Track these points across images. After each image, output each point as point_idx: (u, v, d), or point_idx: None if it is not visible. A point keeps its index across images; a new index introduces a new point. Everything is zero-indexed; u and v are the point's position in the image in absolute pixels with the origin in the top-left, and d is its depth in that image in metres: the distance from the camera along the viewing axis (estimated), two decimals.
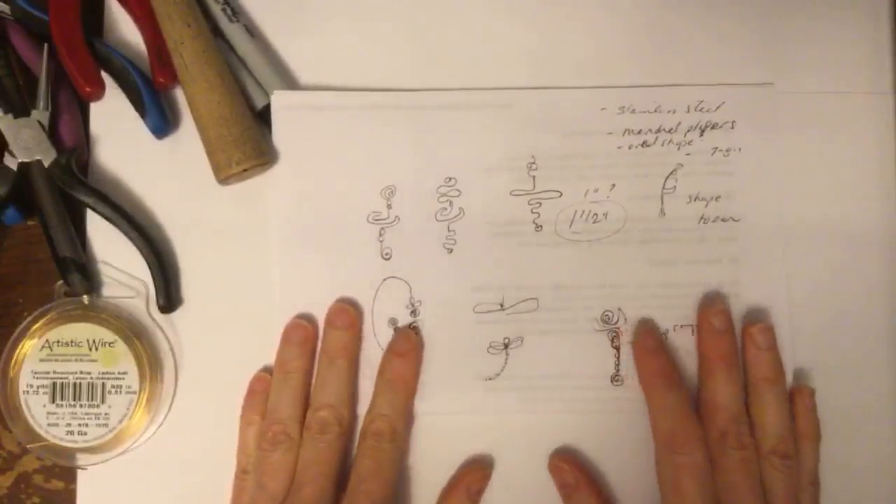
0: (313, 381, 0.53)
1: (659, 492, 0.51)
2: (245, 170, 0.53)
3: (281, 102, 0.55)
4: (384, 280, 0.55)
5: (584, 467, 0.54)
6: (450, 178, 0.56)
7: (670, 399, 0.52)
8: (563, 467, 0.53)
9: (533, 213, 0.55)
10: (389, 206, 0.55)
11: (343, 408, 0.52)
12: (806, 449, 0.52)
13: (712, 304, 0.54)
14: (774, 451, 0.51)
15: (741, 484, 0.50)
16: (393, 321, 0.55)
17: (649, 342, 0.54)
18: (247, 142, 0.53)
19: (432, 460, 0.54)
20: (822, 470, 0.53)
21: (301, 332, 0.54)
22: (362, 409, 0.54)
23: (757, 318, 0.55)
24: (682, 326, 0.55)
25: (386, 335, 0.55)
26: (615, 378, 0.54)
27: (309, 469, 0.51)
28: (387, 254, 0.55)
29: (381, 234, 0.55)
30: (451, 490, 0.53)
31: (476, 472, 0.54)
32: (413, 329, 0.54)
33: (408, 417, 0.53)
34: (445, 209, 0.56)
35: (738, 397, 0.51)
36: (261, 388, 0.54)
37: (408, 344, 0.54)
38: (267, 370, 0.54)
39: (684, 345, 0.55)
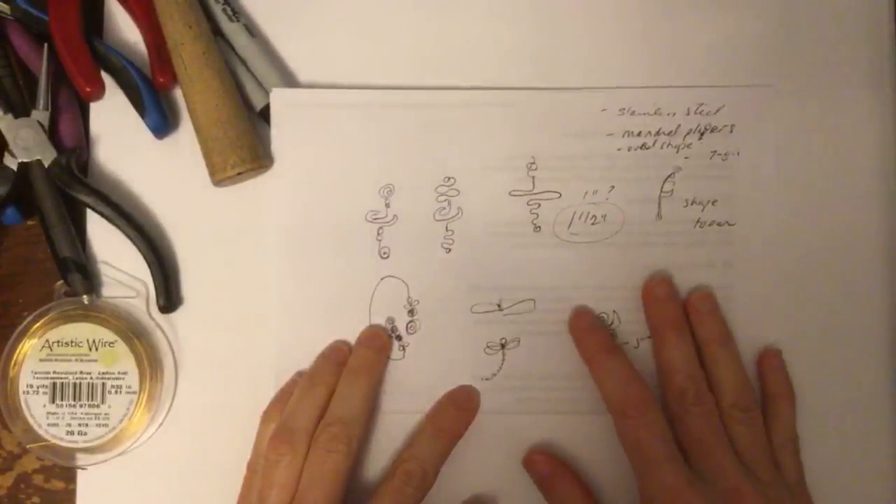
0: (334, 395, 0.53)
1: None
2: (240, 173, 0.53)
3: (280, 100, 0.56)
4: (381, 279, 0.55)
5: (559, 459, 0.54)
6: (449, 178, 0.56)
7: (613, 365, 0.52)
8: (539, 459, 0.54)
9: (532, 213, 0.56)
10: (388, 205, 0.56)
11: (356, 426, 0.51)
12: (780, 406, 0.53)
13: (654, 276, 0.55)
14: (734, 406, 0.51)
15: (707, 437, 0.50)
16: (390, 320, 0.55)
17: (585, 321, 0.54)
18: (243, 145, 0.53)
19: None
20: (818, 470, 0.53)
21: (339, 354, 0.54)
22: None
23: (702, 288, 0.55)
24: None
25: None
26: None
27: (313, 487, 0.50)
28: (384, 253, 0.55)
29: (378, 233, 0.55)
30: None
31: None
32: (471, 388, 0.55)
33: (440, 466, 0.53)
34: (444, 208, 0.56)
35: (691, 357, 0.52)
36: (291, 391, 0.53)
37: (469, 401, 0.54)
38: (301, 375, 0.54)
39: None
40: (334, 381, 0.53)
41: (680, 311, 0.54)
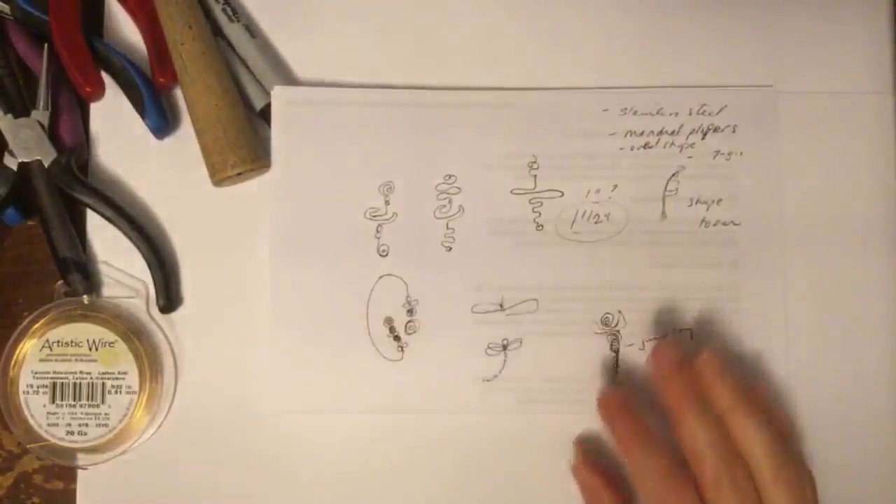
0: None
1: None
2: (240, 173, 0.53)
3: (281, 98, 0.55)
4: (380, 277, 0.55)
5: (606, 471, 0.52)
6: (449, 176, 0.55)
7: (651, 461, 0.49)
8: (586, 473, 0.52)
9: (534, 212, 0.55)
10: (387, 203, 0.55)
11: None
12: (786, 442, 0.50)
13: (658, 347, 0.52)
14: (776, 475, 0.47)
15: None
16: (389, 320, 0.55)
17: (616, 399, 0.52)
18: (243, 145, 0.53)
19: (428, 461, 0.54)
20: (821, 471, 0.52)
21: None
22: None
23: (708, 343, 0.54)
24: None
25: (381, 334, 0.54)
26: (614, 381, 0.54)
27: None
28: (384, 250, 0.55)
29: (378, 231, 0.55)
30: None
31: None
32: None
33: None
34: (444, 206, 0.55)
35: (714, 436, 0.48)
36: None
37: None
38: None
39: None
40: None
41: (690, 382, 0.50)
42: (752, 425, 0.48)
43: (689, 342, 0.54)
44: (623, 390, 0.53)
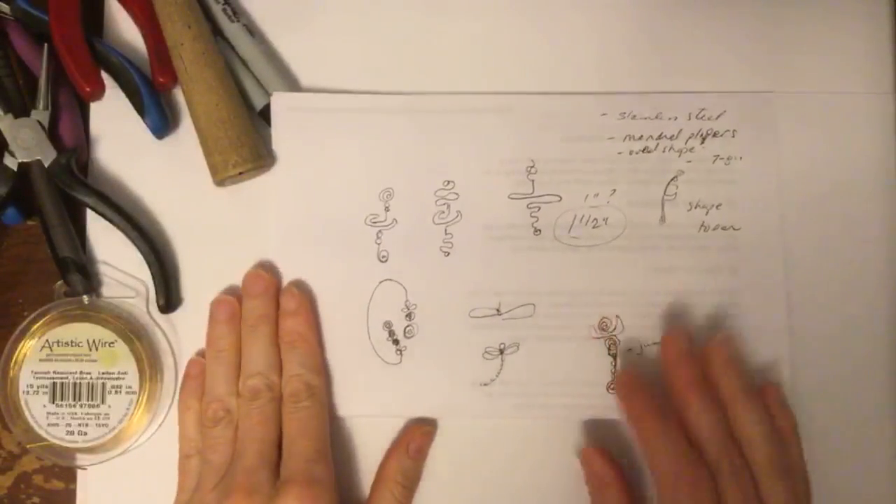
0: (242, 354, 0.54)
1: None
2: (241, 172, 0.53)
3: (280, 104, 0.55)
4: (380, 283, 0.55)
5: (616, 462, 0.53)
6: (448, 181, 0.55)
7: (666, 440, 0.50)
8: (596, 460, 0.53)
9: (532, 217, 0.55)
10: (387, 209, 0.55)
11: (272, 372, 0.52)
12: (788, 440, 0.51)
13: (669, 333, 0.53)
14: (771, 466, 0.49)
15: None
16: (388, 324, 0.55)
17: (633, 378, 0.53)
18: (244, 145, 0.53)
19: (426, 464, 0.54)
20: (821, 473, 0.52)
21: (226, 307, 0.54)
22: None
23: (721, 331, 0.54)
24: None
25: (381, 338, 0.55)
26: (611, 386, 0.54)
27: (247, 437, 0.51)
28: (383, 256, 0.55)
29: (377, 237, 0.55)
30: (392, 449, 0.54)
31: (416, 430, 0.54)
32: (295, 285, 0.55)
33: (320, 371, 0.53)
34: (443, 212, 0.55)
35: (718, 422, 0.50)
36: (195, 372, 0.54)
37: (295, 301, 0.54)
38: (201, 353, 0.55)
39: None
40: (235, 338, 0.54)
41: (698, 369, 0.52)
42: (752, 415, 0.50)
43: (698, 329, 0.54)
44: (635, 374, 0.54)
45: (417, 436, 0.54)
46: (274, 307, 0.54)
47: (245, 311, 0.54)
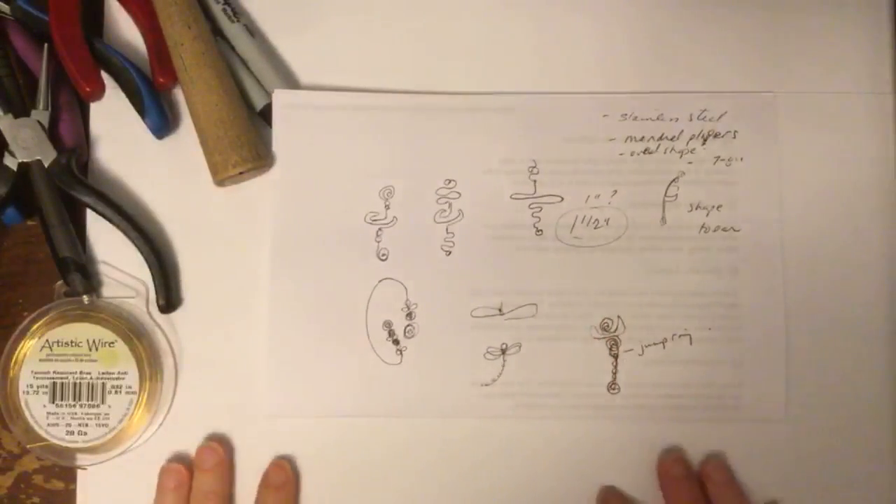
0: None
1: None
2: (242, 172, 0.53)
3: (281, 101, 0.55)
4: (380, 281, 0.55)
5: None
6: (449, 180, 0.55)
7: None
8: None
9: (533, 217, 0.55)
10: (387, 207, 0.55)
11: None
12: None
13: (668, 453, 0.54)
14: None
15: None
16: (388, 324, 0.55)
17: (679, 469, 0.53)
18: (244, 144, 0.53)
19: (425, 466, 0.54)
20: (819, 472, 0.53)
21: (174, 476, 0.53)
22: None
23: (714, 456, 0.54)
24: (680, 336, 0.54)
25: (380, 338, 0.55)
26: (612, 386, 0.54)
27: None
28: (383, 255, 0.55)
29: (378, 235, 0.55)
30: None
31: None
32: (286, 460, 0.54)
33: None
34: (444, 211, 0.55)
35: None
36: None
37: (282, 476, 0.54)
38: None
39: (681, 354, 0.54)
40: None
41: (697, 490, 0.53)
42: None
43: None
44: (685, 458, 0.54)
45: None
46: (224, 483, 0.54)
47: (195, 484, 0.53)
